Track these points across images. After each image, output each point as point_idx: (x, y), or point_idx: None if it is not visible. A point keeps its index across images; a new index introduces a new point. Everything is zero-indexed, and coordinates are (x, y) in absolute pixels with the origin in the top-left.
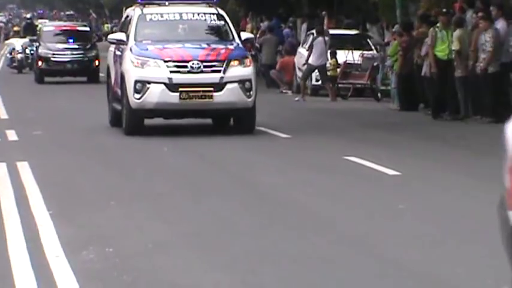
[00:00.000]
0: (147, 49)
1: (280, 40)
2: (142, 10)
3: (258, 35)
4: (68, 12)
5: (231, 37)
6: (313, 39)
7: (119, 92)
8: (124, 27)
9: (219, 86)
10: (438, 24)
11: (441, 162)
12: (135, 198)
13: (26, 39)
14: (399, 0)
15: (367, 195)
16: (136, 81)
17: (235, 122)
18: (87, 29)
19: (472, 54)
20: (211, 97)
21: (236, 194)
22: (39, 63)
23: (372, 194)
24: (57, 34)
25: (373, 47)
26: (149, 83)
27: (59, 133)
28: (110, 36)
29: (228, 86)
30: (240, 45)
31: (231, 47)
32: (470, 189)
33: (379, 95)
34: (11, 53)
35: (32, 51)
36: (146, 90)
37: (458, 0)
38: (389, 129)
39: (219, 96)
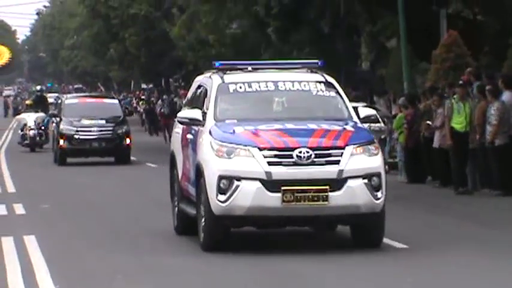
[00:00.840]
0: (233, 132)
1: None
2: (222, 78)
3: None
4: (76, 86)
5: (346, 114)
6: None
7: (192, 189)
8: (196, 102)
9: (338, 183)
10: (455, 96)
11: (449, 235)
12: (143, 273)
13: (39, 114)
14: (406, 73)
15: (375, 268)
16: (220, 177)
17: (355, 231)
18: (116, 101)
19: (478, 127)
20: (325, 199)
21: (244, 264)
22: (61, 141)
23: (381, 267)
24: (82, 108)
25: (380, 120)
26: (239, 179)
27: (67, 206)
28: (181, 115)
29: (350, 182)
30: (360, 125)
31: (350, 127)
32: (479, 264)
33: (386, 167)
34: (22, 129)
35: (43, 126)
36: (235, 190)
37: (465, 72)
38: (397, 201)
39: (337, 198)
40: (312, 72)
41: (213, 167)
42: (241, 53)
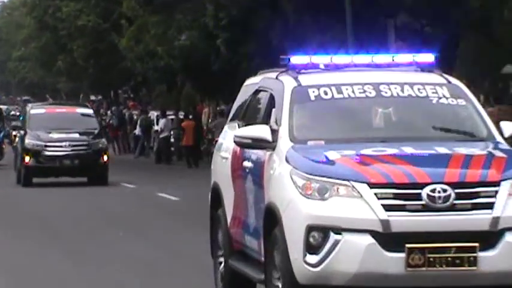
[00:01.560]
0: (326, 159)
1: None
2: (297, 79)
3: (209, 120)
4: (24, 98)
5: (484, 131)
6: None
7: (251, 241)
8: (252, 115)
9: (491, 239)
10: None
11: None
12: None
13: None
14: None
15: None
16: (310, 228)
17: None
18: (90, 111)
19: None
20: (473, 262)
21: (192, 275)
22: (26, 158)
23: None
24: (51, 119)
25: None
26: (339, 231)
27: (11, 219)
28: (240, 133)
29: (509, 237)
30: (506, 147)
31: (498, 152)
32: None
33: None
34: None
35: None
36: (333, 247)
37: None
38: None
39: (491, 260)
40: (424, 71)
41: (299, 212)
42: (190, 64)
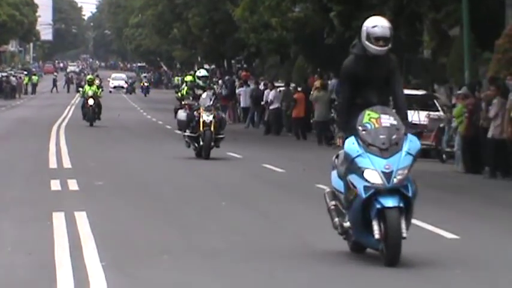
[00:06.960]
0: None
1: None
2: None
3: (312, 92)
4: (139, 64)
5: None
6: None
7: None
8: None
9: None
10: None
11: (503, 227)
12: (189, 253)
13: None
14: (468, 62)
15: (424, 257)
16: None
17: None
18: None
19: None
20: None
21: (292, 251)
22: None
23: (429, 257)
24: None
25: (439, 108)
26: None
27: (121, 185)
28: None
29: None
30: None
31: None
32: None
33: (444, 156)
34: None
35: None
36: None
37: None
38: (452, 191)
39: None
40: None
41: None
42: (303, 36)
